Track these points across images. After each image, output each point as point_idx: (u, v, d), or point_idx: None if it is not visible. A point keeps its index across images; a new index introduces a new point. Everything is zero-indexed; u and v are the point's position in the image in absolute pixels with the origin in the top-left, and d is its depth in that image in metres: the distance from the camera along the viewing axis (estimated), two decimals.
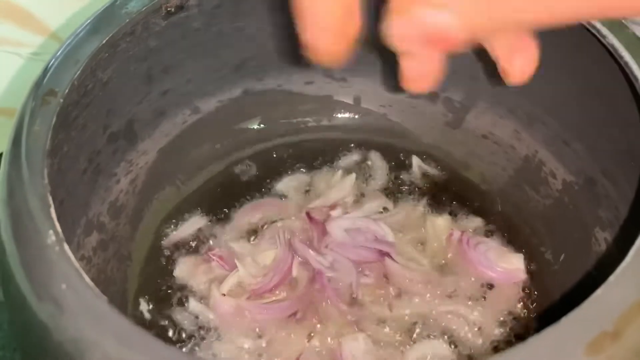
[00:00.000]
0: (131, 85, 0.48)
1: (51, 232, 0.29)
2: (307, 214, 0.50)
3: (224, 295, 0.46)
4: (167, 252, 0.50)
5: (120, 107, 0.47)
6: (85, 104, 0.42)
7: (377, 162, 0.55)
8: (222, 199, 0.53)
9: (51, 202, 0.30)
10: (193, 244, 0.50)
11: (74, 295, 0.27)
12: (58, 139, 0.39)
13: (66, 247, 0.28)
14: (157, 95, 0.51)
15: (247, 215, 0.52)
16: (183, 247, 0.50)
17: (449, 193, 0.53)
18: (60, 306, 0.27)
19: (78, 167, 0.44)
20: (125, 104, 0.48)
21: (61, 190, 0.41)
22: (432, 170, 0.54)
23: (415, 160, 0.54)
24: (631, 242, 0.30)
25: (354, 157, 0.56)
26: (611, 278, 0.28)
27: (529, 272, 0.48)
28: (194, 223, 0.51)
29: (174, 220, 0.51)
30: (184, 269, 0.48)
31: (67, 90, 0.35)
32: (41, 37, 0.59)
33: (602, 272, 0.45)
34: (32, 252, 0.29)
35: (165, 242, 0.50)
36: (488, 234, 0.50)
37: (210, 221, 0.51)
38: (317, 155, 0.56)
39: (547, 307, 0.46)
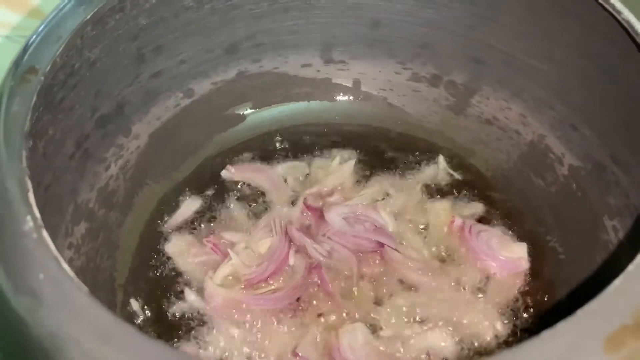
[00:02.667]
0: (121, 65, 0.46)
1: (29, 217, 0.27)
2: (304, 201, 0.48)
3: (218, 285, 0.44)
4: (158, 240, 0.48)
5: (109, 88, 0.46)
6: (72, 84, 0.41)
7: (379, 148, 0.53)
8: (215, 185, 0.51)
9: (30, 186, 0.28)
10: (188, 228, 0.49)
11: (52, 286, 0.25)
12: (43, 121, 0.37)
13: (45, 233, 0.26)
14: (149, 76, 0.49)
15: (247, 170, 0.51)
16: (177, 231, 0.48)
17: (452, 179, 0.51)
18: (37, 298, 0.25)
19: (65, 151, 0.42)
20: (115, 86, 0.46)
21: (47, 175, 0.39)
22: (435, 156, 0.53)
23: (441, 160, 0.52)
24: None
25: (353, 142, 0.54)
26: (630, 267, 0.26)
27: (533, 261, 0.46)
28: (189, 207, 0.50)
29: (166, 207, 0.50)
30: (175, 247, 0.47)
31: (48, 68, 0.34)
32: (25, 16, 0.57)
33: (611, 262, 0.44)
34: (9, 240, 0.27)
35: (162, 227, 0.48)
36: (491, 222, 0.49)
37: (203, 208, 0.50)
38: (315, 140, 0.54)
39: (552, 297, 0.45)
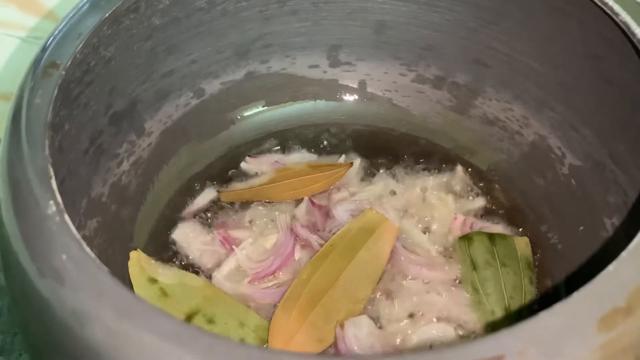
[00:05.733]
0: (134, 64, 0.47)
1: (51, 202, 0.28)
2: (310, 198, 0.50)
3: (224, 278, 0.45)
4: (169, 234, 0.49)
5: (123, 86, 0.47)
6: (88, 81, 0.42)
7: (383, 147, 0.54)
8: (225, 182, 0.52)
9: (52, 173, 0.30)
10: (199, 221, 0.50)
11: (74, 266, 0.26)
12: (60, 116, 0.38)
13: (66, 217, 0.28)
14: (161, 75, 0.50)
15: (263, 162, 0.53)
16: (187, 221, 0.50)
17: (455, 178, 0.52)
18: (60, 277, 0.26)
19: (80, 146, 0.43)
20: (129, 84, 0.47)
21: (62, 169, 0.40)
22: (438, 155, 0.54)
23: (459, 169, 0.53)
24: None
25: (358, 141, 0.55)
26: (623, 254, 0.27)
27: (534, 257, 0.47)
28: (199, 202, 0.51)
29: (176, 203, 0.51)
30: (184, 236, 0.48)
31: (69, 63, 0.35)
32: (40, 18, 0.59)
33: (609, 258, 0.45)
34: (32, 224, 0.29)
35: (173, 221, 0.50)
36: (492, 219, 0.50)
37: (214, 203, 0.51)
38: (322, 139, 0.55)
39: (552, 292, 0.46)
